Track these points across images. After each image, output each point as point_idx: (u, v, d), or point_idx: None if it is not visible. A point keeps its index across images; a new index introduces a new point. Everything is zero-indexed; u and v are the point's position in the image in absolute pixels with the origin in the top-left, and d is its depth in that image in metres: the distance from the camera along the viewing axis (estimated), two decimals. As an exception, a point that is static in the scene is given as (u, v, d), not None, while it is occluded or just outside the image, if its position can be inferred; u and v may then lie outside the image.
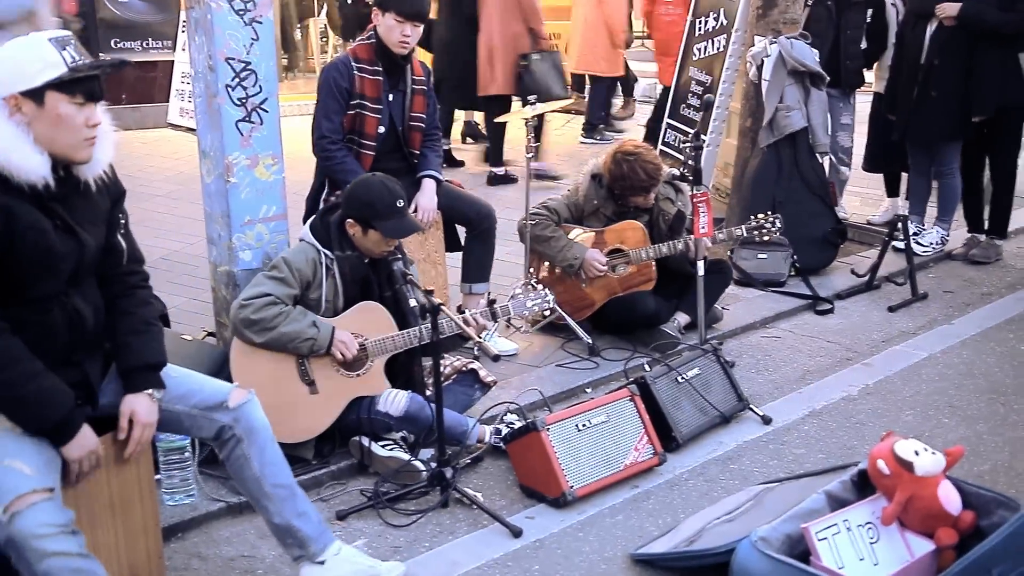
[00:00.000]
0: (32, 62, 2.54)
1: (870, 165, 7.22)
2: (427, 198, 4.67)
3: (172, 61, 9.74)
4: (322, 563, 3.08)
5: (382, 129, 4.58)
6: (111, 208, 2.85)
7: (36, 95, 2.55)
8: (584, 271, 4.98)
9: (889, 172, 7.21)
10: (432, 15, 8.04)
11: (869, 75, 7.16)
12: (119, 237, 2.89)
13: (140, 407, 2.82)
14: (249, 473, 3.02)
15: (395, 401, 3.83)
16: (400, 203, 3.81)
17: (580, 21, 9.41)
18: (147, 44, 9.81)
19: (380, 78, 4.55)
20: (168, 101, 9.72)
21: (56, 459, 2.66)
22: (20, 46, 2.57)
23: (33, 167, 2.55)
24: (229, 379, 3.36)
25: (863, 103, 7.16)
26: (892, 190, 7.27)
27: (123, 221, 2.91)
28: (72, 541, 2.51)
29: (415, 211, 4.62)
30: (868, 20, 6.77)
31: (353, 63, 4.55)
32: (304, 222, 4.59)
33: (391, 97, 4.61)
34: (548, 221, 5.02)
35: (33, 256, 2.59)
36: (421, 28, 4.58)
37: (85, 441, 2.69)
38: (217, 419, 2.98)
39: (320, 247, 3.84)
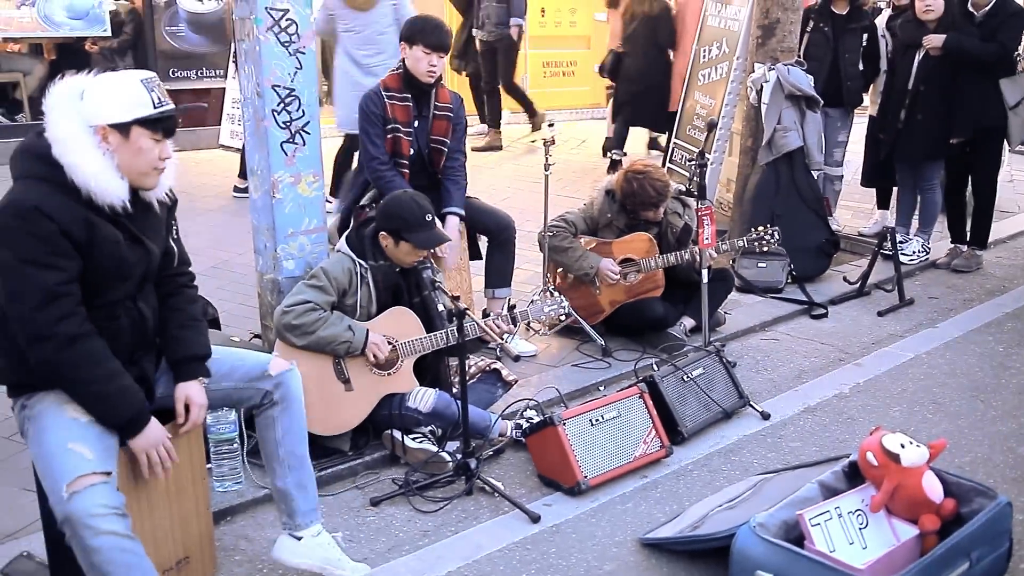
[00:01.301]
0: (125, 98, 2.59)
1: (866, 181, 7.20)
2: (450, 233, 4.53)
3: (223, 88, 9.79)
4: (299, 539, 3.09)
5: (412, 151, 4.60)
6: (167, 217, 2.89)
7: (123, 128, 2.60)
8: (598, 279, 4.99)
9: (881, 186, 7.19)
10: (618, 48, 8.73)
11: (866, 97, 7.15)
12: (172, 242, 2.94)
13: (193, 392, 2.86)
14: (271, 434, 3.05)
15: (424, 398, 3.84)
16: (429, 217, 3.82)
17: None
18: (201, 73, 9.87)
19: (409, 104, 4.57)
20: (219, 124, 9.79)
21: (115, 447, 2.68)
22: (115, 82, 2.62)
23: (116, 191, 2.61)
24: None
25: (860, 123, 7.13)
26: (883, 203, 7.24)
27: (175, 227, 2.96)
28: (122, 523, 2.53)
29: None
30: (864, 44, 6.75)
31: (384, 92, 4.56)
32: (338, 235, 4.62)
33: (417, 123, 4.63)
34: (566, 233, 5.03)
35: (108, 265, 2.64)
36: (445, 59, 4.60)
37: (152, 434, 2.72)
38: (261, 387, 3.02)
39: (355, 257, 3.86)
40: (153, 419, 2.73)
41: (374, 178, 4.57)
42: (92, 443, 2.60)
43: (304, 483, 3.09)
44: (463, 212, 4.73)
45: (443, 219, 4.65)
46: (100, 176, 2.58)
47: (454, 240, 4.61)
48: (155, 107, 2.61)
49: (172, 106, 2.67)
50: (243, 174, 7.70)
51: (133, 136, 2.61)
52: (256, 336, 4.40)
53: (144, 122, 2.61)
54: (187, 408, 2.86)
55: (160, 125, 2.64)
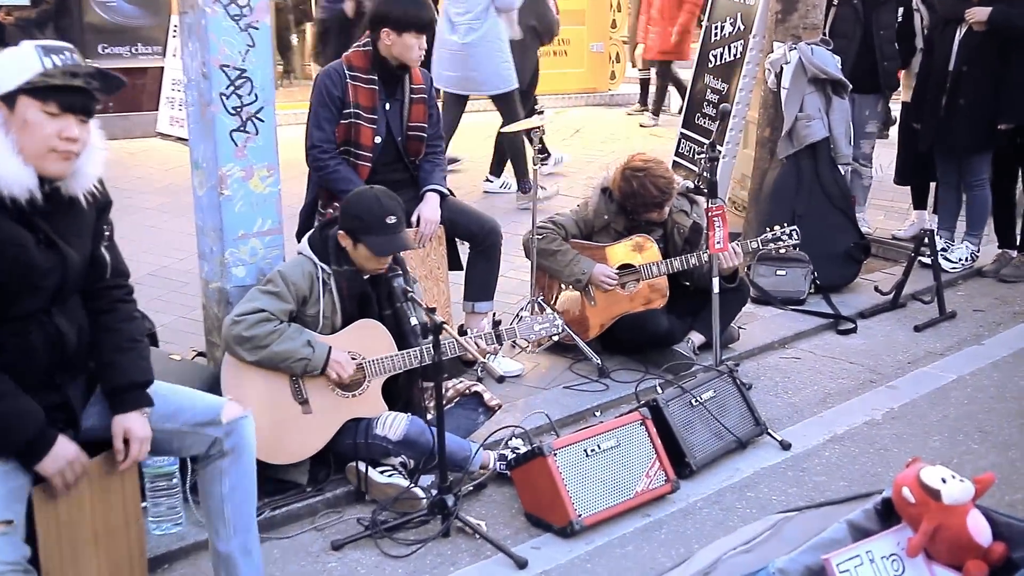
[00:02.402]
0: (13, 66, 2.55)
1: (901, 178, 7.22)
2: (430, 209, 4.69)
3: (162, 67, 9.79)
4: None
5: (378, 139, 4.61)
6: (96, 220, 2.85)
7: (9, 99, 2.55)
8: (592, 288, 4.99)
9: (918, 183, 7.21)
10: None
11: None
12: (103, 250, 2.89)
13: (134, 425, 2.82)
14: (216, 489, 3.02)
15: (394, 424, 3.84)
16: (391, 219, 3.82)
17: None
18: (136, 50, 9.86)
19: (375, 87, 4.59)
20: (157, 109, 9.77)
21: (23, 488, 2.65)
22: (10, 52, 2.58)
23: (17, 179, 2.55)
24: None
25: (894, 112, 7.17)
26: (919, 202, 7.26)
27: (107, 233, 2.91)
28: None
29: (417, 223, 4.64)
30: (899, 19, 6.79)
31: (347, 71, 4.58)
32: (297, 237, 4.62)
33: (388, 106, 4.64)
34: (554, 235, 5.03)
35: (13, 272, 2.59)
36: None
37: (60, 454, 2.67)
38: (210, 434, 2.98)
39: (318, 261, 3.86)
40: (62, 439, 2.69)
41: (314, 167, 4.62)
42: None
43: (249, 547, 3.07)
44: (445, 190, 4.79)
45: (422, 197, 4.71)
46: None
47: (430, 216, 4.67)
48: (43, 70, 2.53)
49: (71, 71, 2.56)
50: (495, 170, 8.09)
51: (19, 108, 2.55)
52: (200, 354, 4.39)
53: (31, 91, 2.54)
54: (127, 442, 2.83)
55: (53, 96, 2.56)
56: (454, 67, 7.37)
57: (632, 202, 4.95)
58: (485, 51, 7.16)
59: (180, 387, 3.10)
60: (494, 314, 4.95)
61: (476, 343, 3.95)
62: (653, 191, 4.88)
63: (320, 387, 3.81)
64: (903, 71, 7.06)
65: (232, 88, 3.84)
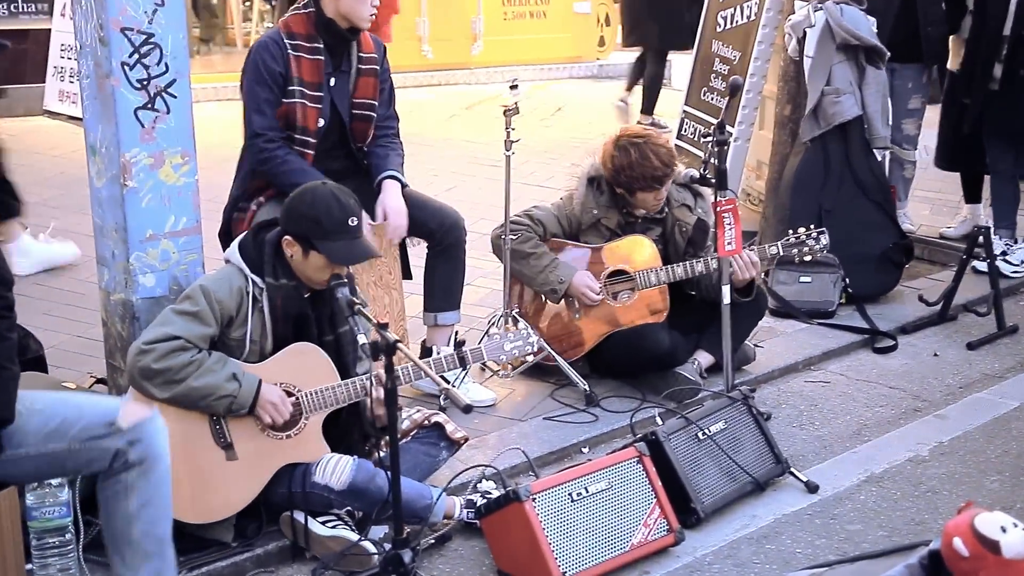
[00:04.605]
0: None
1: (944, 161, 7.24)
2: (394, 198, 4.68)
3: (49, 30, 9.74)
4: None
5: (322, 122, 4.62)
6: None
7: None
8: (576, 300, 5.01)
9: (968, 171, 7.25)
10: None
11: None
12: None
13: None
14: (122, 507, 3.01)
15: (337, 470, 3.83)
16: (353, 221, 3.83)
17: None
18: (16, 8, 9.80)
19: (321, 57, 4.59)
20: (44, 82, 9.72)
21: None
22: None
23: None
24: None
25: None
26: (972, 194, 7.28)
27: None
28: None
29: (384, 218, 4.63)
30: None
31: (287, 40, 4.57)
32: (220, 238, 4.61)
33: (333, 81, 4.64)
34: (529, 234, 5.05)
35: None
36: None
37: None
38: (109, 446, 2.97)
39: (249, 272, 3.85)
40: None
41: (259, 160, 4.59)
42: None
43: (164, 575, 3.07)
44: (403, 178, 4.79)
45: (378, 188, 4.70)
46: None
47: (398, 206, 4.67)
48: None
49: None
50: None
51: None
52: (99, 380, 4.38)
53: None
54: None
55: None
56: None
57: (628, 175, 4.94)
58: None
59: (62, 395, 3.10)
60: (456, 332, 4.97)
61: (432, 364, 3.96)
62: (655, 161, 4.89)
63: (247, 427, 3.80)
64: (952, 36, 7.10)
65: (137, 56, 3.83)
